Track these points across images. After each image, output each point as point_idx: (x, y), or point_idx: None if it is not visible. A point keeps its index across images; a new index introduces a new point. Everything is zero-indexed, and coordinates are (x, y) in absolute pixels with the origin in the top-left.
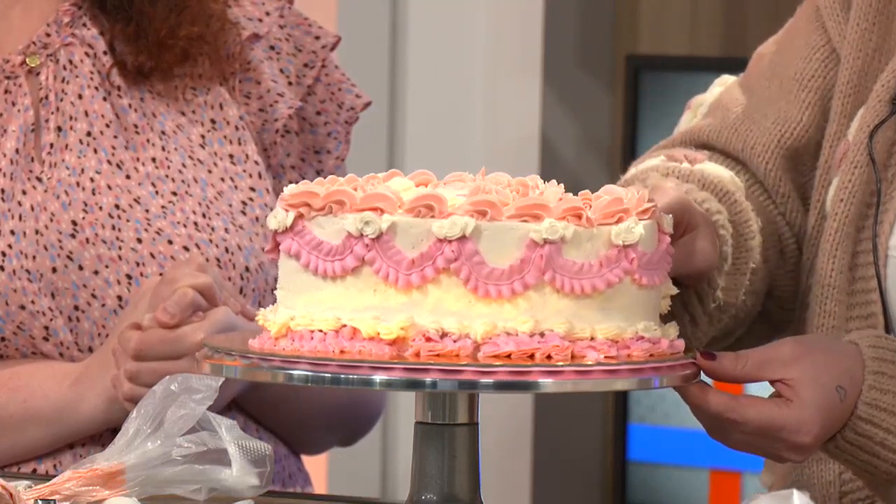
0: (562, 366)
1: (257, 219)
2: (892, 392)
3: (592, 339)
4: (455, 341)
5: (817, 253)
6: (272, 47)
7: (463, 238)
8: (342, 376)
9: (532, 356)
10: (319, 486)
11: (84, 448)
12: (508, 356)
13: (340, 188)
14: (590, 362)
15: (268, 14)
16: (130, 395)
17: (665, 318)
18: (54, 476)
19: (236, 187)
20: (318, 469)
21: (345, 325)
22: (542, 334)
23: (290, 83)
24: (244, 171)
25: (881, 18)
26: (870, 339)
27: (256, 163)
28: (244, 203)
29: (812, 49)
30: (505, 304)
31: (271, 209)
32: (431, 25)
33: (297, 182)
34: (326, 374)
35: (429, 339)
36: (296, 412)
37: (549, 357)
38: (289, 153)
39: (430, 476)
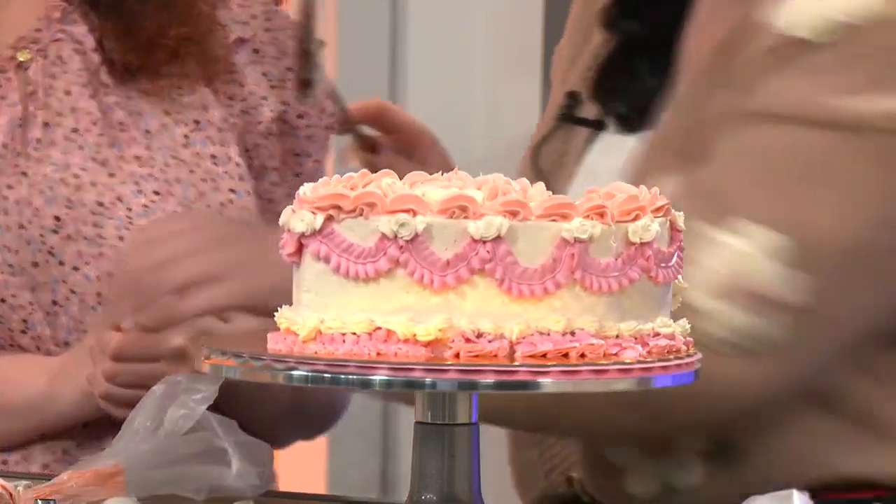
0: (605, 364)
1: (241, 216)
2: None
3: (618, 336)
4: (490, 342)
5: None
6: (257, 51)
7: (497, 238)
8: (342, 376)
9: (566, 355)
10: (319, 486)
11: (55, 441)
12: (544, 356)
13: (370, 190)
14: (627, 360)
15: (254, 17)
16: (107, 394)
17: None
18: (22, 468)
19: (217, 188)
20: (318, 469)
21: (379, 328)
22: (572, 333)
23: (273, 87)
24: (226, 172)
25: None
26: None
27: (238, 164)
28: (223, 204)
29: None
30: (538, 304)
31: (251, 211)
32: (431, 25)
33: (277, 184)
34: (326, 374)
35: (468, 341)
36: (246, 402)
37: (582, 356)
38: (271, 155)
39: (430, 476)
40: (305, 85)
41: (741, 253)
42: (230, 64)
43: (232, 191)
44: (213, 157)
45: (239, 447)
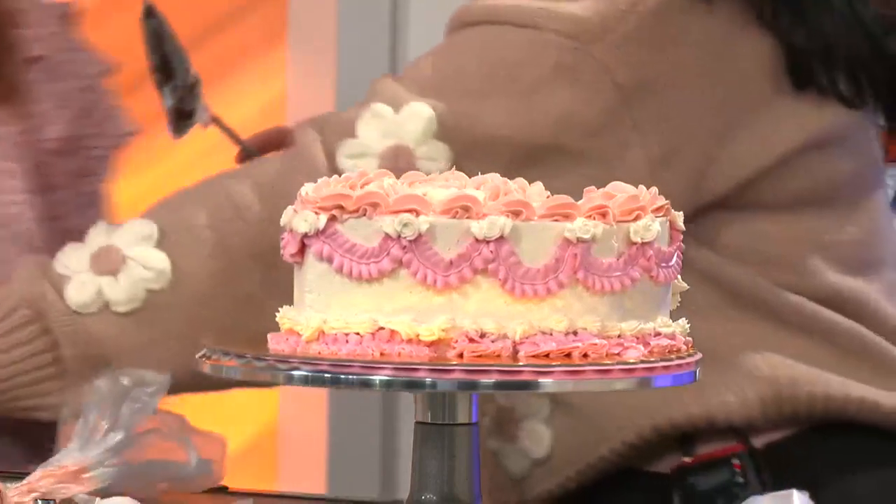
0: (608, 364)
1: (25, 232)
2: None
3: (620, 336)
4: (493, 342)
5: None
6: (50, 70)
7: (500, 238)
8: (342, 376)
9: (569, 355)
10: (319, 486)
11: None
12: (547, 356)
13: (373, 190)
14: (630, 360)
15: (50, 35)
16: None
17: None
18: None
19: (3, 202)
20: (318, 469)
21: (382, 328)
22: (575, 333)
23: (63, 106)
24: (12, 186)
25: None
26: None
27: (24, 180)
28: (11, 216)
29: None
30: (540, 304)
31: (38, 225)
32: (431, 25)
33: (64, 202)
34: (326, 375)
35: (472, 341)
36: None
37: (585, 356)
38: (59, 173)
39: (430, 476)
40: (186, 116)
41: (393, 121)
42: (23, 82)
43: (17, 204)
44: (2, 172)
45: (194, 440)
